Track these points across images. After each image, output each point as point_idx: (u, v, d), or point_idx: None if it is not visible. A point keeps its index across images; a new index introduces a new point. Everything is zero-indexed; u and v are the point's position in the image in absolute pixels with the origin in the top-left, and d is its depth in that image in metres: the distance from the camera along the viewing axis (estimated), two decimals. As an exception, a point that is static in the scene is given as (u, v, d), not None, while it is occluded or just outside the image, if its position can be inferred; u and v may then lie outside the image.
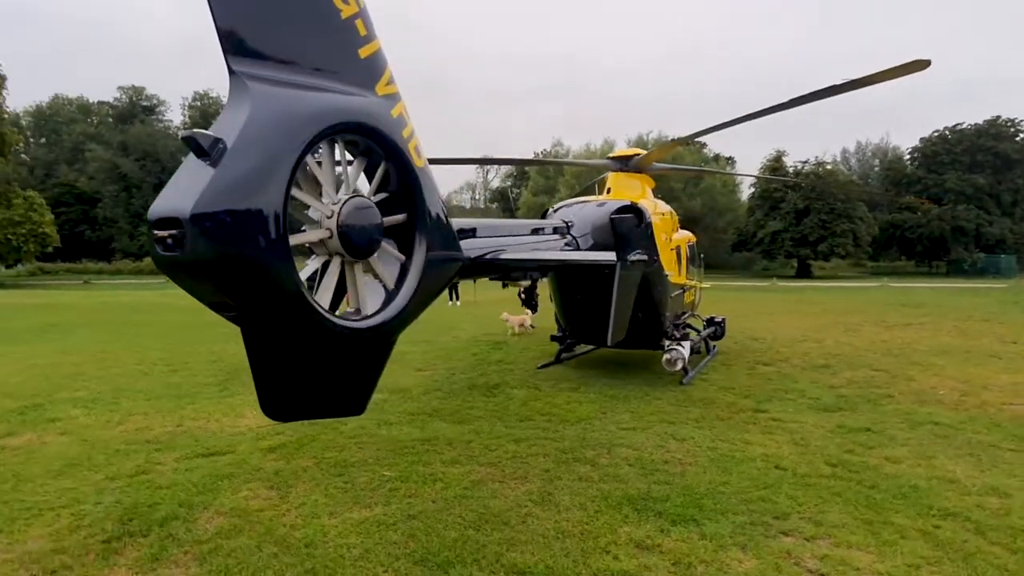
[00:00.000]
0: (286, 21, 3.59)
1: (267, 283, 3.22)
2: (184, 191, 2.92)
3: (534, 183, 65.47)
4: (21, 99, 75.39)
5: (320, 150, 3.80)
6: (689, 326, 12.45)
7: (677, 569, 3.68)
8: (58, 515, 4.41)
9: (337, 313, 3.99)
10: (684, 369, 9.04)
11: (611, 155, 10.49)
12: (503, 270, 5.51)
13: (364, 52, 3.97)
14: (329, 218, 3.73)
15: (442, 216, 4.66)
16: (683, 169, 11.12)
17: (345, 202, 3.80)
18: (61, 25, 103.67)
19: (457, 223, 5.58)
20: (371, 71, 4.01)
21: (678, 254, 10.17)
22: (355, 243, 3.84)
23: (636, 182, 10.26)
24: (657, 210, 9.48)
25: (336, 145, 4.01)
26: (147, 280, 43.60)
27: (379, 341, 4.15)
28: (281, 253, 3.19)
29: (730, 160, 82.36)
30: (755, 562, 3.77)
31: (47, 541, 4.01)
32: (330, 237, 3.74)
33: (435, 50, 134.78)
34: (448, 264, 4.75)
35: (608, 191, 10.06)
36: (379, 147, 4.07)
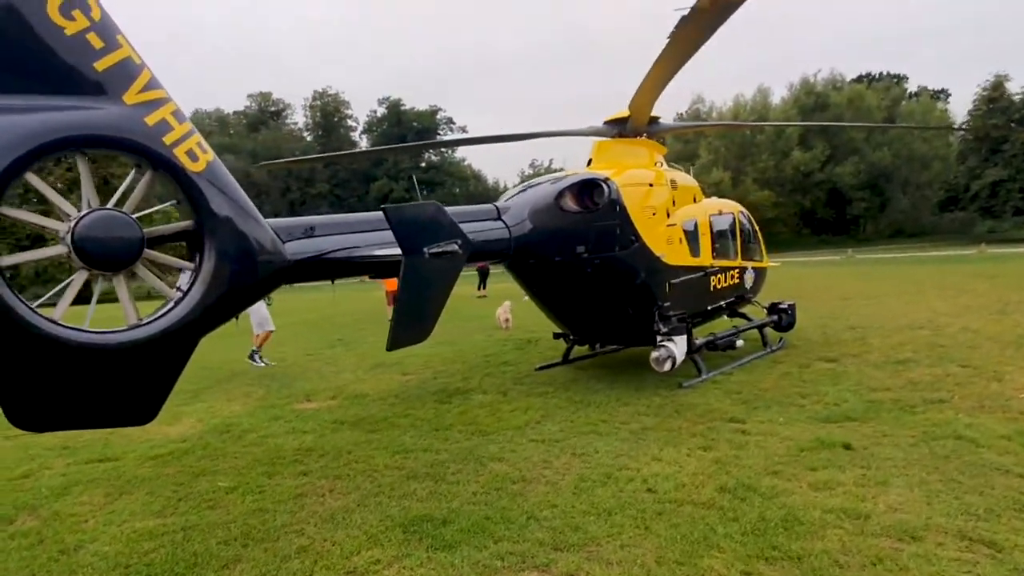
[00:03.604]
0: None
1: None
2: None
3: (669, 150, 62.99)
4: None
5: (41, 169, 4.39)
6: (743, 315, 11.61)
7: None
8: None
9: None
10: (673, 366, 8.46)
11: (606, 119, 10.07)
12: (334, 271, 5.77)
13: (102, 64, 4.38)
14: (65, 235, 4.28)
15: (245, 218, 5.03)
16: (698, 125, 9.79)
17: (82, 218, 4.33)
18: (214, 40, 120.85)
19: (296, 222, 5.97)
20: (113, 82, 4.41)
21: (689, 232, 9.49)
22: (98, 257, 4.37)
23: (637, 148, 9.79)
24: (641, 180, 8.97)
25: (81, 160, 4.59)
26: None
27: (152, 352, 4.58)
28: None
29: (940, 94, 72.14)
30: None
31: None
32: (68, 253, 4.31)
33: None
34: (255, 268, 5.08)
35: (589, 163, 9.75)
36: (133, 155, 4.56)
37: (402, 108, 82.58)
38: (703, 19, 4.98)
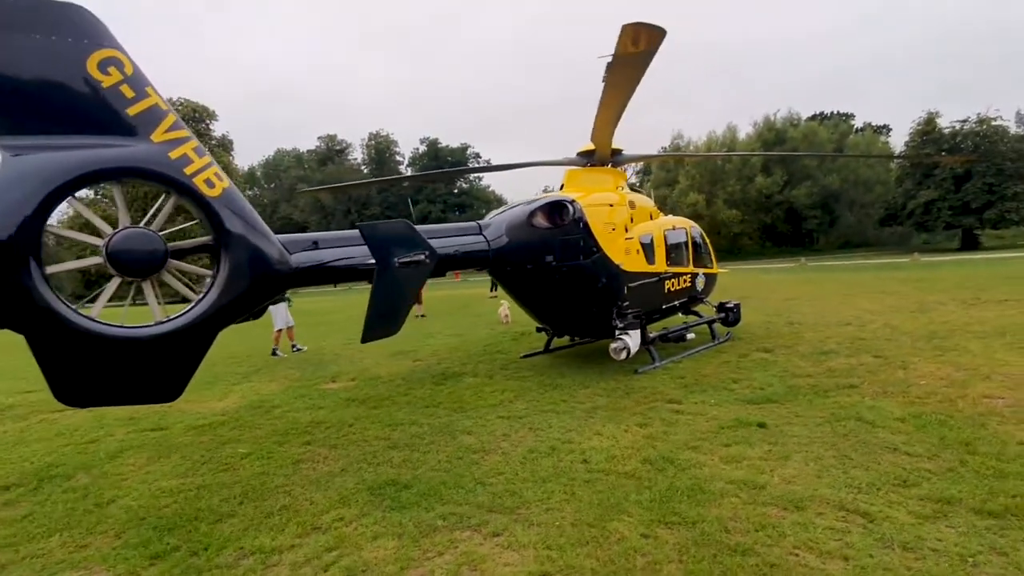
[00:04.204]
0: (47, 104, 4.14)
1: (6, 303, 3.83)
2: None
3: (655, 177, 62.17)
4: (255, 156, 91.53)
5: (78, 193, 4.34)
6: (695, 312, 11.28)
7: (328, 544, 3.61)
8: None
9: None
10: (628, 356, 8.18)
11: (578, 151, 9.84)
12: (332, 277, 5.66)
13: (133, 110, 4.39)
14: (100, 249, 4.29)
15: (254, 234, 4.95)
16: (658, 157, 9.38)
17: (114, 234, 4.33)
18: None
19: (302, 237, 5.88)
20: (143, 124, 4.41)
21: (645, 244, 9.22)
22: (128, 266, 4.36)
23: (602, 176, 9.56)
24: (603, 201, 8.73)
25: (116, 187, 4.57)
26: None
27: (174, 343, 4.53)
28: (12, 278, 3.78)
29: (882, 129, 70.18)
30: (395, 543, 3.54)
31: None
32: (104, 264, 4.32)
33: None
34: (263, 275, 5.00)
35: (561, 187, 9.54)
36: (160, 184, 4.54)
37: (439, 145, 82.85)
38: (627, 63, 4.75)
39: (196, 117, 52.74)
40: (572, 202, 8.21)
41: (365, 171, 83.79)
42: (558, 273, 8.10)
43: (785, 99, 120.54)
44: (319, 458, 5.42)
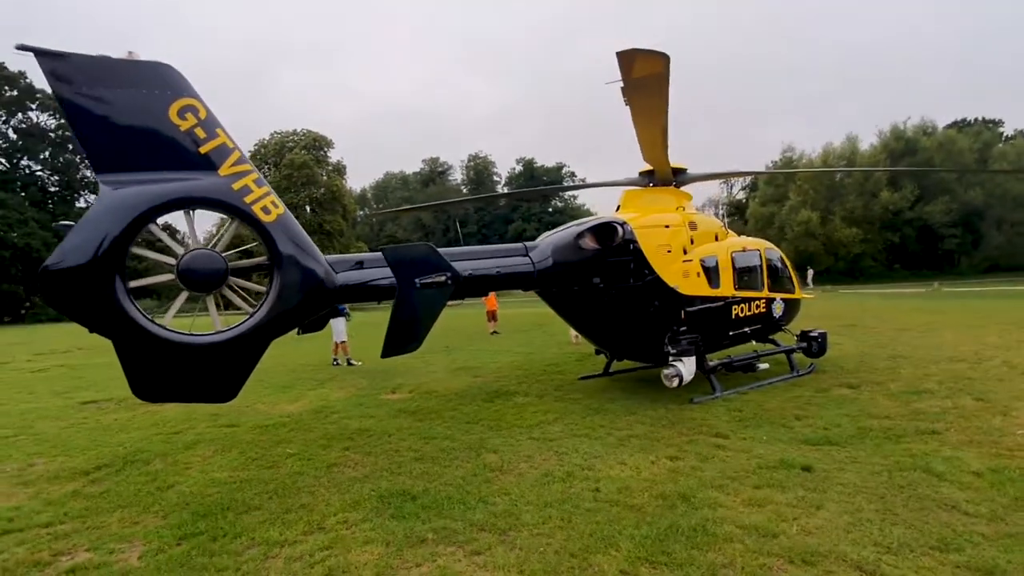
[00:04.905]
0: (135, 145, 4.99)
1: (93, 310, 4.63)
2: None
3: (762, 194, 58.33)
4: (363, 178, 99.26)
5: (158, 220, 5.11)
6: (772, 340, 10.50)
7: (324, 544, 3.89)
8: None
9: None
10: (680, 384, 7.81)
11: (640, 171, 9.69)
12: (373, 295, 6.08)
13: (204, 149, 5.17)
14: (171, 267, 5.06)
15: (304, 255, 5.55)
16: (729, 174, 8.62)
17: (184, 254, 5.10)
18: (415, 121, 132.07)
19: (348, 258, 6.41)
20: (213, 160, 5.16)
21: (708, 266, 8.80)
22: (194, 282, 5.10)
23: (662, 196, 9.34)
24: (658, 223, 8.50)
25: (187, 215, 5.34)
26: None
27: (230, 350, 5.18)
28: (102, 290, 4.57)
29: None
30: (381, 550, 3.74)
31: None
32: (173, 279, 5.08)
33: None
34: (311, 291, 5.56)
35: (617, 208, 9.40)
36: (223, 211, 5.29)
37: (535, 165, 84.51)
38: (640, 89, 4.65)
39: (316, 145, 58.60)
40: (623, 224, 8.10)
41: (464, 191, 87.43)
42: (606, 295, 8.01)
43: (920, 106, 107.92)
44: (351, 463, 5.80)
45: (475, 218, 79.98)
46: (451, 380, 10.83)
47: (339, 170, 61.39)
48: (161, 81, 4.97)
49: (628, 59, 4.04)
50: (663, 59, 4.21)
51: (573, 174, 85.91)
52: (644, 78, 4.45)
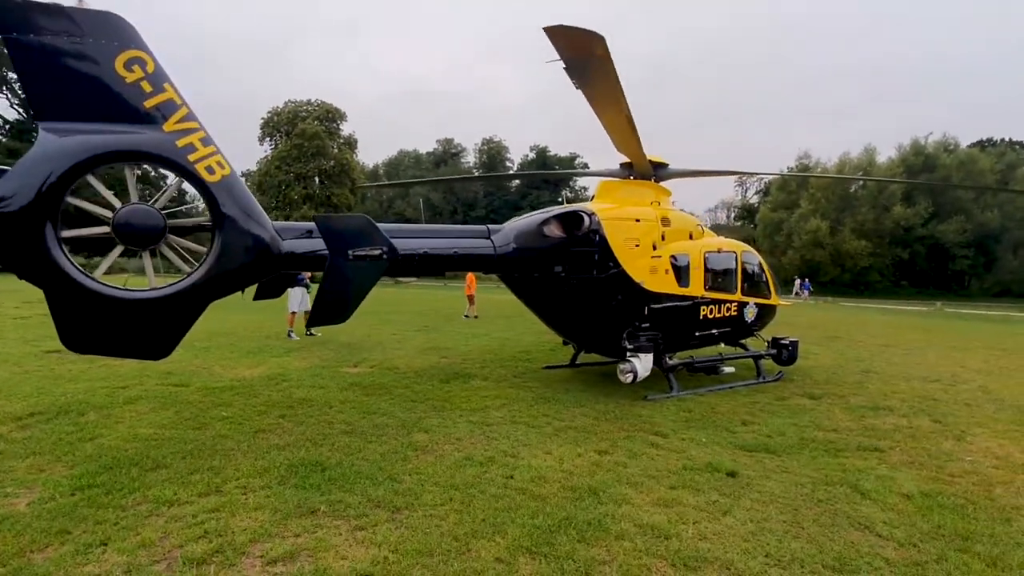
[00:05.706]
0: (79, 94, 4.89)
1: (23, 257, 4.57)
2: None
3: (773, 199, 57.51)
4: (378, 154, 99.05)
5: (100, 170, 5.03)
6: (741, 345, 10.35)
7: (213, 507, 3.86)
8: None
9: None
10: (635, 380, 7.70)
11: (621, 163, 9.48)
12: (319, 264, 5.99)
13: (150, 103, 5.07)
14: (108, 220, 4.99)
15: (248, 219, 5.47)
16: (712, 173, 8.22)
17: (120, 208, 5.02)
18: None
19: (298, 225, 6.31)
20: (158, 115, 5.06)
21: (679, 265, 8.63)
22: (130, 236, 5.03)
23: (639, 189, 9.15)
24: (627, 216, 8.33)
25: (128, 168, 5.27)
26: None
27: (166, 308, 5.11)
28: (33, 238, 4.51)
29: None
30: (267, 517, 3.70)
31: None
32: (108, 232, 5.02)
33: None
34: (253, 256, 5.48)
35: (592, 199, 9.24)
36: (165, 167, 5.21)
37: (548, 153, 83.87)
38: (583, 70, 4.46)
39: (329, 117, 58.29)
40: (591, 214, 7.94)
41: (476, 175, 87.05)
42: (567, 285, 7.88)
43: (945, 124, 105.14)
44: (280, 431, 5.77)
45: (484, 202, 79.73)
46: (417, 358, 10.79)
47: (350, 144, 61.10)
48: (110, 31, 4.86)
49: (557, 36, 3.86)
50: (598, 39, 4.02)
51: (586, 165, 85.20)
52: (582, 59, 4.27)
